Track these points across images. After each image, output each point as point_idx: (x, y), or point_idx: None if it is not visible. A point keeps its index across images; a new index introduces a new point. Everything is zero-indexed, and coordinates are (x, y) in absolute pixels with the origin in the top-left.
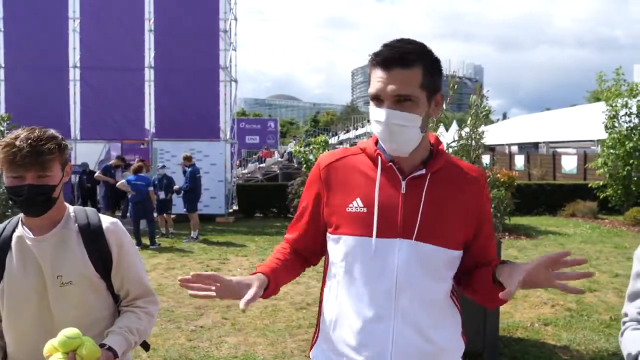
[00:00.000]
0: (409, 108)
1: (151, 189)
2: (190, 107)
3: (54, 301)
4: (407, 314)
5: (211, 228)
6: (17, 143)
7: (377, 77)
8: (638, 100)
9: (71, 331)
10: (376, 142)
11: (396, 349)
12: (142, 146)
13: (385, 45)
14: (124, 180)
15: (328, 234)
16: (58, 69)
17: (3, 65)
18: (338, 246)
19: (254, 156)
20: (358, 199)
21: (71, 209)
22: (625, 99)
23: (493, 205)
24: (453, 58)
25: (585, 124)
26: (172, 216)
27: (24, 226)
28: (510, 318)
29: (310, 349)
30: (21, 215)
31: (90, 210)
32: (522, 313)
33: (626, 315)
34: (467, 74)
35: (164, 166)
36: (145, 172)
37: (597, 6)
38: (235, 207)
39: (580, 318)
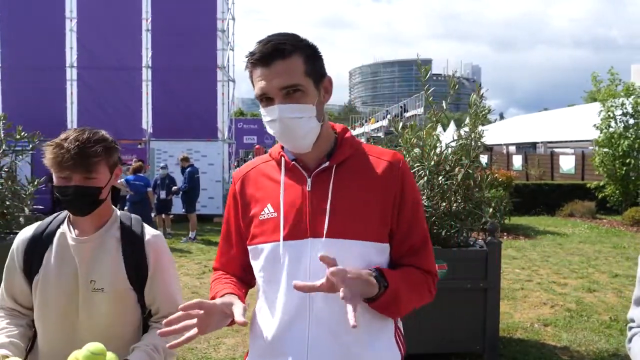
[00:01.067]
0: (299, 99)
1: (150, 189)
2: (188, 107)
3: (83, 305)
4: (322, 319)
5: (209, 228)
6: (65, 145)
7: (259, 76)
8: (633, 99)
9: (95, 346)
10: (282, 146)
11: (312, 356)
12: (139, 146)
13: (259, 43)
14: (122, 180)
15: (248, 247)
16: (55, 68)
17: (0, 65)
18: (256, 256)
19: (250, 156)
20: (269, 205)
21: (118, 213)
22: (622, 98)
23: (492, 205)
24: (450, 58)
25: (582, 123)
26: (170, 216)
27: (70, 224)
28: (510, 319)
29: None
30: (68, 212)
31: (135, 218)
32: (521, 313)
33: (633, 320)
34: (464, 74)
35: (165, 166)
36: (143, 172)
37: (594, 6)
38: None
39: (580, 318)
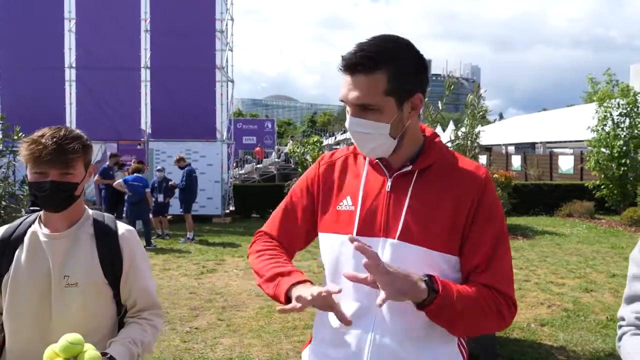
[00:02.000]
0: (371, 116)
1: (148, 190)
2: (187, 108)
3: (56, 301)
4: (386, 320)
5: (208, 229)
6: (43, 140)
7: (344, 82)
8: (629, 99)
9: (74, 337)
10: None
11: (373, 353)
12: (138, 147)
13: (355, 46)
14: (120, 180)
15: (319, 233)
16: (54, 69)
17: None
18: (325, 245)
19: (249, 156)
20: (348, 197)
21: (90, 212)
22: (618, 99)
23: None
24: (450, 58)
25: (581, 124)
26: (168, 217)
27: (40, 223)
28: None
29: (304, 347)
30: (41, 212)
31: (108, 216)
32: (518, 313)
33: (623, 319)
34: (464, 74)
35: (162, 169)
36: (142, 173)
37: (592, 6)
38: (232, 208)
39: (577, 318)
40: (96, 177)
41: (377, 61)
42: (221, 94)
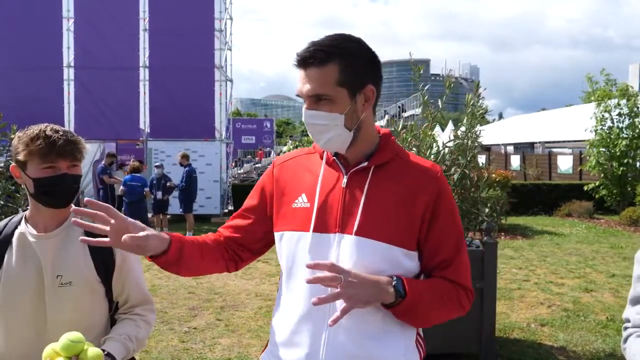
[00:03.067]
0: (325, 107)
1: (147, 189)
2: (186, 107)
3: (50, 301)
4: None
5: (206, 228)
6: (48, 133)
7: (299, 77)
8: (629, 100)
9: (75, 335)
10: None
11: (328, 351)
12: (137, 146)
13: (309, 43)
14: (120, 179)
15: (275, 233)
16: (52, 68)
17: None
18: (281, 243)
19: (249, 156)
20: (303, 195)
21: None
22: (617, 99)
23: (489, 205)
24: (449, 58)
25: (580, 124)
26: (168, 216)
27: (27, 223)
28: (506, 319)
29: (261, 353)
30: (25, 212)
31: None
32: (518, 314)
33: (628, 320)
34: (463, 74)
35: (161, 165)
36: (141, 173)
37: (590, 7)
38: (230, 207)
39: (577, 318)
40: (104, 177)
41: (329, 54)
42: (220, 94)
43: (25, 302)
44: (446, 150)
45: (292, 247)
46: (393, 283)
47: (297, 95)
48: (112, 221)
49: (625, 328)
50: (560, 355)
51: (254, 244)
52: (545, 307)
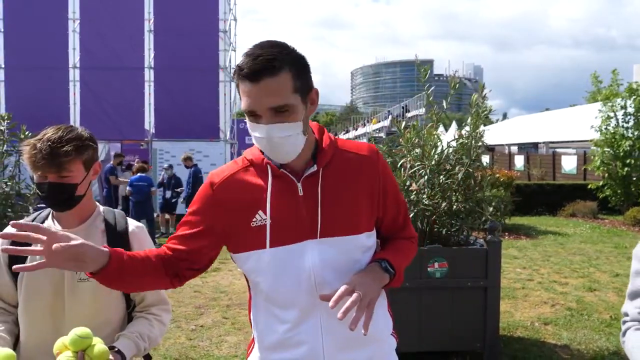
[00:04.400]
0: (287, 118)
1: (154, 188)
2: (190, 108)
3: (69, 296)
4: (329, 307)
5: None
6: (38, 145)
7: (247, 91)
8: (635, 99)
9: (83, 330)
10: (262, 151)
11: (327, 341)
12: (141, 147)
13: (248, 55)
14: (127, 180)
15: (232, 255)
16: (58, 69)
17: (3, 65)
18: (247, 263)
19: None
20: (260, 212)
21: (101, 208)
22: (624, 99)
23: (492, 205)
24: (451, 58)
25: (584, 124)
26: (174, 216)
27: (53, 219)
28: (510, 317)
29: (247, 355)
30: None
31: (118, 212)
32: (522, 312)
33: (626, 314)
34: (466, 74)
35: (170, 166)
36: (146, 173)
37: (593, 6)
38: None
39: (581, 317)
40: (111, 177)
41: (280, 61)
42: (224, 94)
43: (47, 295)
44: (450, 149)
45: (267, 263)
46: (383, 266)
47: (248, 112)
48: (44, 238)
49: (624, 322)
50: (563, 353)
51: (199, 263)
52: (548, 306)
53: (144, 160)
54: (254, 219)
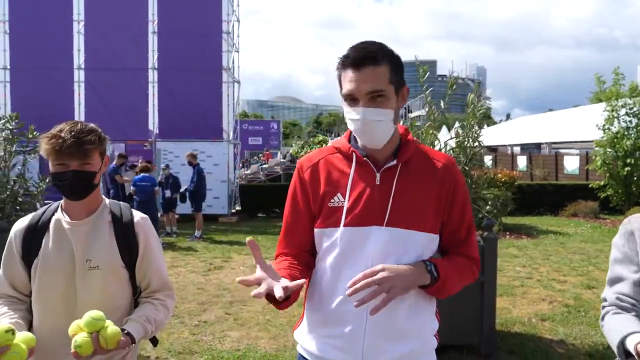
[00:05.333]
0: (381, 103)
1: (157, 188)
2: (194, 108)
3: (80, 283)
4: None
5: (214, 228)
6: (62, 135)
7: (350, 77)
8: (637, 100)
9: (97, 313)
10: (349, 140)
11: (369, 326)
12: (144, 147)
13: (353, 48)
14: (130, 179)
15: (315, 230)
16: (63, 70)
17: (9, 66)
18: (322, 238)
19: (255, 157)
20: (339, 194)
21: (107, 201)
22: (626, 98)
23: (489, 203)
24: (454, 59)
25: (587, 124)
26: (176, 216)
27: (63, 211)
28: (508, 314)
29: (295, 328)
30: (61, 201)
31: (124, 204)
32: (520, 309)
33: (605, 300)
34: (470, 75)
35: (167, 166)
36: (150, 173)
37: (595, 7)
38: (238, 208)
39: (577, 314)
40: (117, 177)
41: (382, 55)
42: (227, 95)
43: (59, 282)
44: (448, 147)
45: (334, 241)
46: (428, 268)
47: (348, 95)
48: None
49: (603, 307)
50: (559, 348)
51: (312, 246)
52: (546, 303)
53: (148, 160)
54: (332, 200)
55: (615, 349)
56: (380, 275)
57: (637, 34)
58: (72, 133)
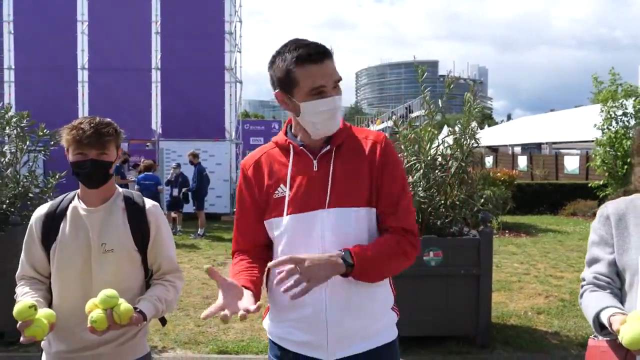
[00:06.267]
0: (339, 91)
1: (161, 187)
2: (196, 108)
3: (96, 265)
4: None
5: (217, 226)
6: (82, 126)
7: (314, 71)
8: (635, 100)
9: (110, 291)
10: (285, 133)
11: (329, 305)
12: (146, 147)
13: (301, 45)
14: (134, 178)
15: (265, 221)
16: (67, 70)
17: (13, 66)
18: (272, 229)
19: None
20: (282, 185)
21: (120, 190)
22: (622, 100)
23: (484, 197)
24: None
25: (588, 124)
26: (181, 214)
27: (79, 199)
28: (505, 308)
29: (263, 318)
30: (77, 190)
31: (136, 193)
32: (516, 303)
33: (584, 279)
34: (471, 76)
35: (178, 165)
36: (153, 171)
37: (595, 7)
38: None
39: (572, 307)
40: (117, 177)
41: (328, 49)
42: (230, 95)
43: (77, 264)
44: (444, 144)
45: (283, 228)
46: (341, 256)
47: (316, 89)
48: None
49: (582, 286)
50: (553, 339)
51: (265, 240)
52: (542, 297)
53: (152, 159)
54: (277, 191)
55: (591, 322)
56: (305, 264)
57: (638, 34)
58: (91, 125)
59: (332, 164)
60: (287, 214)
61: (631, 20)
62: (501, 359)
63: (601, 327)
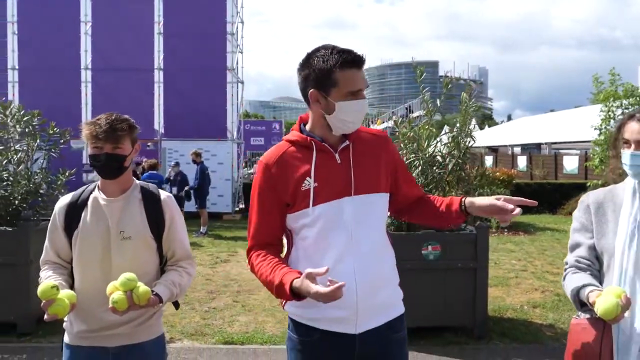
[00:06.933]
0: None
1: (164, 186)
2: (198, 108)
3: (115, 251)
4: (364, 253)
5: (219, 225)
6: (99, 122)
7: (355, 75)
8: (634, 100)
9: (130, 275)
10: (300, 131)
11: (359, 281)
12: (148, 145)
13: (340, 50)
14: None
15: (294, 213)
16: (70, 70)
17: (17, 67)
18: (297, 221)
19: (258, 157)
20: (308, 178)
21: (137, 182)
22: (621, 100)
23: (479, 191)
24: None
25: (587, 125)
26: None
27: (99, 190)
28: (501, 302)
29: (284, 304)
30: (98, 182)
31: (152, 185)
32: (513, 297)
33: (567, 263)
34: (471, 76)
35: (177, 164)
36: (156, 171)
37: (596, 7)
38: (241, 205)
39: (567, 301)
40: None
41: None
42: (231, 95)
43: (97, 251)
44: (442, 142)
45: (316, 217)
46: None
47: (356, 92)
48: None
49: (565, 269)
50: (548, 331)
51: (282, 234)
52: (539, 292)
53: (154, 158)
54: (304, 184)
55: (572, 300)
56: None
57: (639, 35)
58: (107, 121)
59: (351, 156)
60: (317, 204)
61: (631, 20)
62: (497, 350)
63: (581, 304)
